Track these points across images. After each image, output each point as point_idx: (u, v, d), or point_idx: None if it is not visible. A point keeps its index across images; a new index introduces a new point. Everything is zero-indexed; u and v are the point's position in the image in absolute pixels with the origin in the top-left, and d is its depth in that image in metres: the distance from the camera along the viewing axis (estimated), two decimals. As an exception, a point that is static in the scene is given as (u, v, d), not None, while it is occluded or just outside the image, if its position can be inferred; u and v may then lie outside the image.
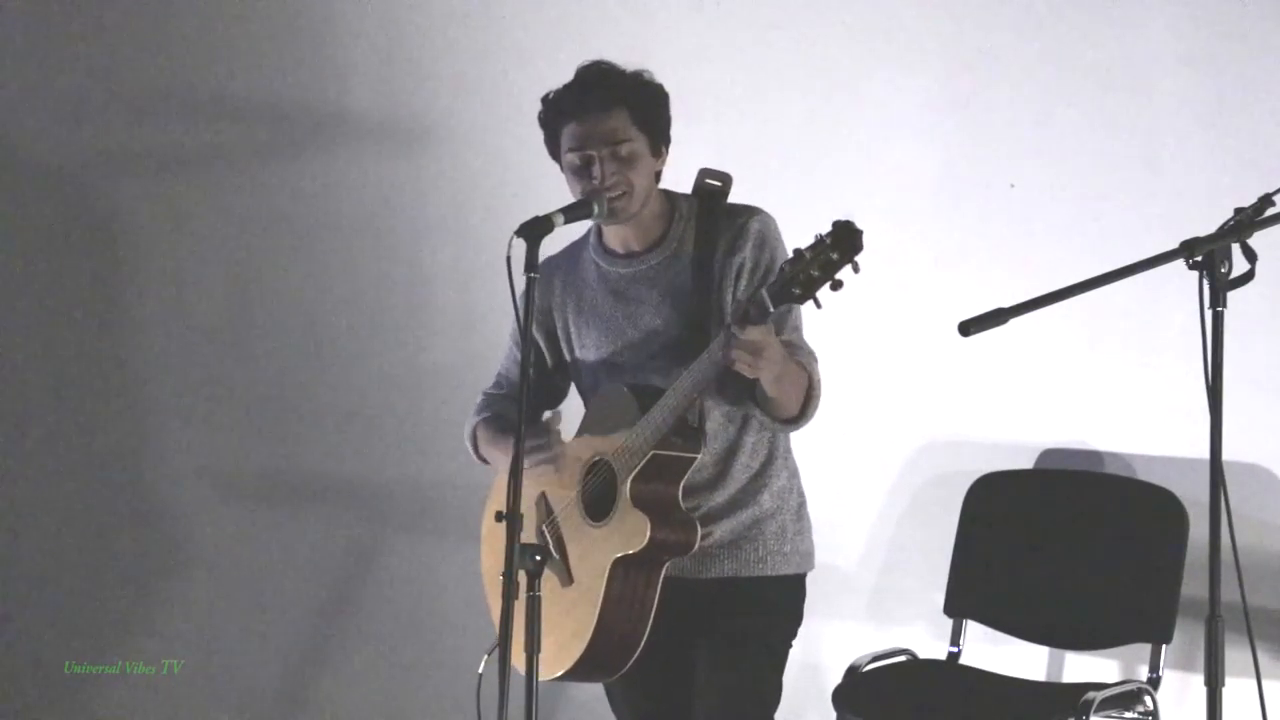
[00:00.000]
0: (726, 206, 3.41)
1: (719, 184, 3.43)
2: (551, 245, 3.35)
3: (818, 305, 3.03)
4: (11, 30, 4.97)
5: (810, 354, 3.35)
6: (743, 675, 3.41)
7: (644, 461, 3.29)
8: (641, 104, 3.35)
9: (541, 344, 3.56)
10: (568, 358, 3.55)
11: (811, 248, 2.97)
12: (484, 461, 3.61)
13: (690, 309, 3.35)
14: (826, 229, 2.97)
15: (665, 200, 3.43)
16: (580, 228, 3.51)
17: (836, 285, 2.98)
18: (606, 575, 3.31)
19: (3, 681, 5.10)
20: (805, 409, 3.32)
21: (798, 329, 3.37)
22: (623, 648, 3.34)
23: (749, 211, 3.39)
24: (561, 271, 3.54)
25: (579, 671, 3.38)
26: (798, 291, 2.97)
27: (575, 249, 3.55)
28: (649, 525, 3.27)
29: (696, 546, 3.32)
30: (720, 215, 3.38)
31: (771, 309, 3.03)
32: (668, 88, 3.41)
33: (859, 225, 2.94)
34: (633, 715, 3.58)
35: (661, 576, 3.32)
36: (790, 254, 3.03)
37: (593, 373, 3.50)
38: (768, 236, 3.35)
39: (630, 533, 3.30)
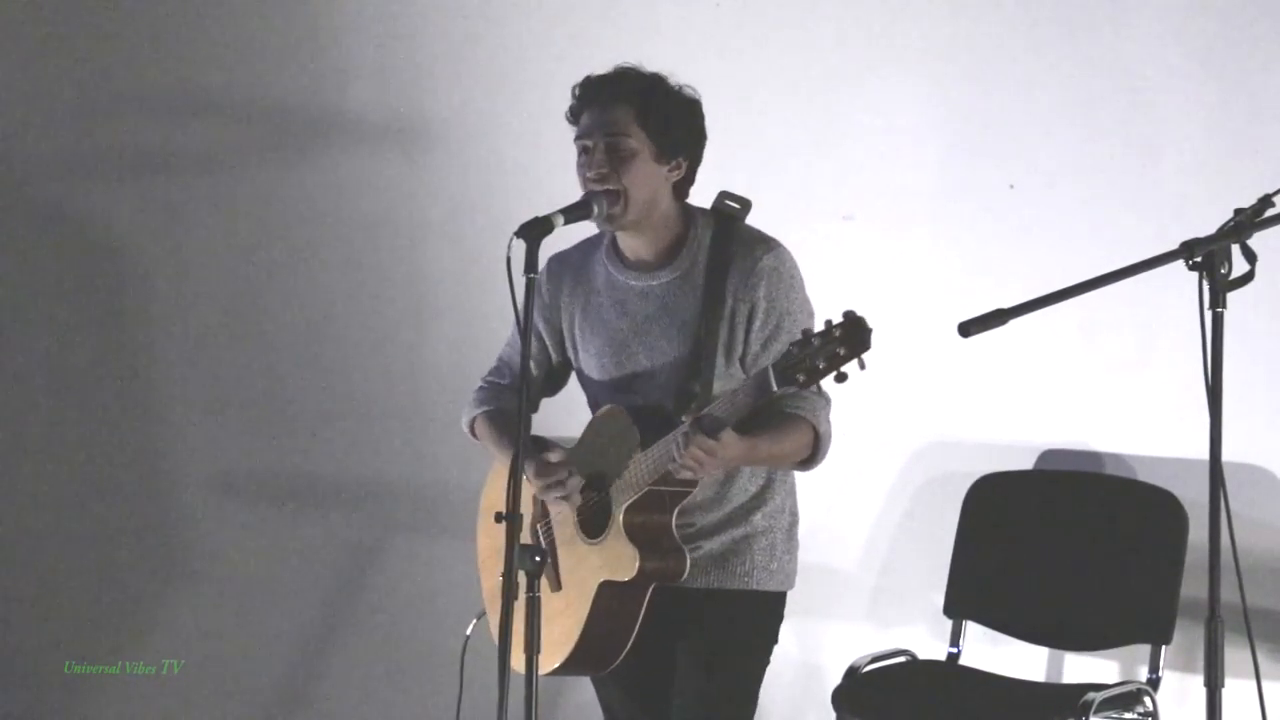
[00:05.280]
0: (744, 232, 3.39)
1: (737, 207, 3.41)
2: (552, 250, 3.35)
3: (819, 391, 3.04)
4: (12, 31, 4.97)
5: (819, 402, 3.33)
6: (718, 683, 3.42)
7: (639, 495, 3.29)
8: (650, 105, 3.33)
9: (546, 339, 3.56)
10: (570, 357, 3.55)
11: (820, 335, 2.97)
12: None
13: (697, 336, 3.33)
14: (838, 318, 2.98)
15: (682, 215, 3.41)
16: (575, 241, 3.52)
17: (841, 378, 2.98)
18: (593, 596, 3.34)
19: (3, 681, 5.10)
20: (813, 457, 3.34)
21: None
22: (606, 654, 3.37)
23: (764, 245, 3.36)
24: (572, 269, 3.53)
25: (563, 672, 3.43)
26: (801, 378, 2.98)
27: (589, 247, 3.54)
28: (638, 559, 3.28)
29: (685, 575, 3.32)
30: (736, 242, 3.36)
31: (775, 388, 3.04)
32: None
33: (870, 324, 2.94)
34: (615, 711, 3.60)
35: (648, 596, 3.33)
36: (801, 330, 3.05)
37: (595, 383, 3.50)
38: (782, 277, 3.33)
39: (619, 562, 3.31)
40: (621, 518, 3.31)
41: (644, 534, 3.30)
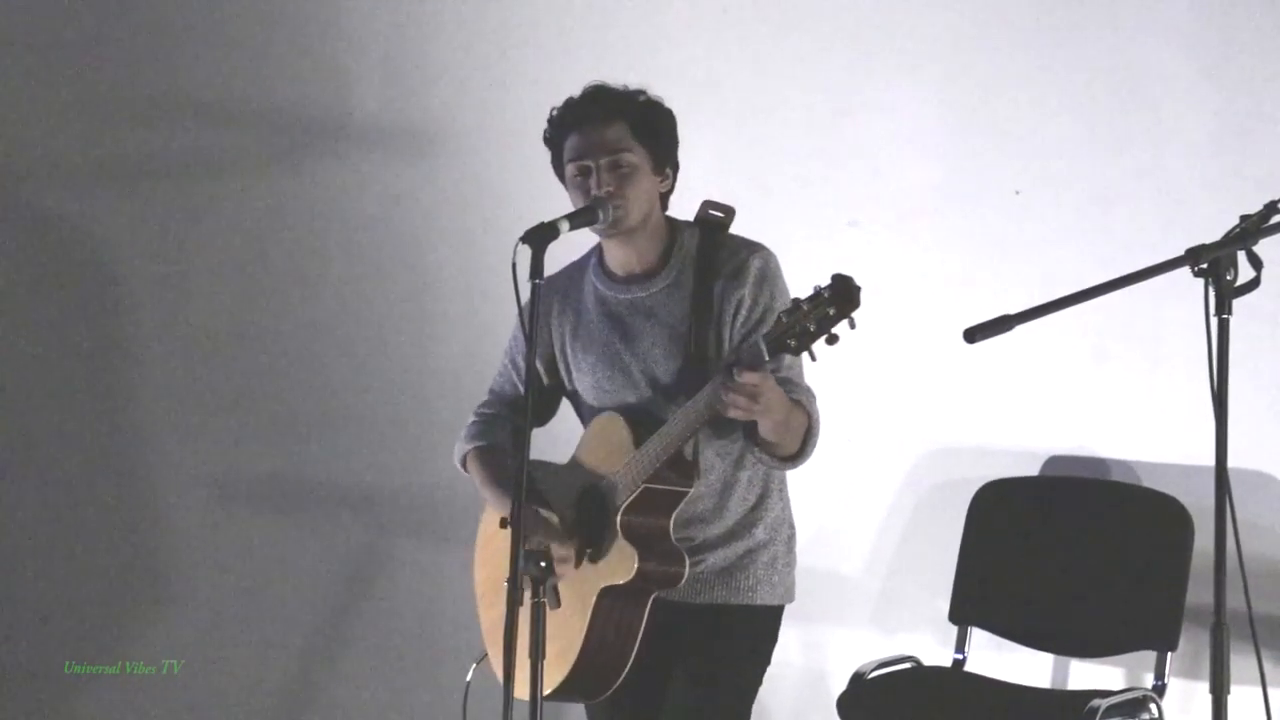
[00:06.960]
0: (729, 239, 3.39)
1: (722, 215, 3.40)
2: (556, 255, 3.34)
3: (813, 358, 3.02)
4: (12, 34, 4.97)
5: (808, 392, 3.32)
6: (713, 696, 3.40)
7: (635, 495, 3.28)
8: (642, 119, 3.34)
9: (538, 363, 3.53)
10: (563, 378, 3.54)
11: (809, 300, 2.94)
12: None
13: (688, 343, 3.33)
14: (825, 281, 2.95)
15: (668, 227, 3.41)
16: (579, 248, 3.50)
17: (832, 340, 2.96)
18: (593, 604, 3.31)
19: (3, 681, 5.10)
20: (804, 449, 3.31)
21: (793, 366, 3.32)
22: (606, 673, 3.33)
23: (750, 248, 3.36)
24: (559, 293, 3.51)
25: (562, 694, 3.38)
26: (793, 344, 2.95)
27: (575, 270, 3.53)
28: (637, 558, 3.26)
29: (684, 579, 3.30)
30: (722, 248, 3.36)
31: (767, 359, 3.01)
32: (674, 96, 3.41)
33: (857, 282, 2.92)
34: None
35: (649, 606, 3.31)
36: (790, 300, 3.02)
37: (589, 398, 3.48)
38: (768, 275, 3.32)
39: (618, 565, 3.29)
40: (619, 520, 3.29)
41: (642, 536, 3.28)
